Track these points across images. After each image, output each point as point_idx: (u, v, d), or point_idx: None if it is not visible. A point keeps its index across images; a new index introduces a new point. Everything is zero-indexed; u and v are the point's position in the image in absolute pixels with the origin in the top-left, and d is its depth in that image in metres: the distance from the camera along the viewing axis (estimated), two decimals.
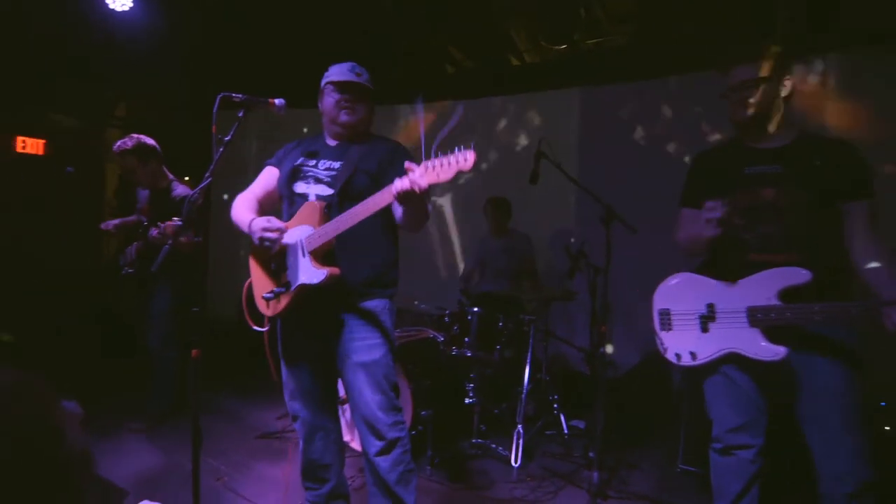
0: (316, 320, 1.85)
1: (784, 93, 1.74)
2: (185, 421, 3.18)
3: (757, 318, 1.67)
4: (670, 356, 1.88)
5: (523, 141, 4.75)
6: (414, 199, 1.50)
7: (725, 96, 1.79)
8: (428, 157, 1.44)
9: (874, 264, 1.61)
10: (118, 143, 3.12)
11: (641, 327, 4.09)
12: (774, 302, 1.64)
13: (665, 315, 1.93)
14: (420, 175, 1.44)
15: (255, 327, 1.90)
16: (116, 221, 3.35)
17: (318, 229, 1.72)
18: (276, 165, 2.00)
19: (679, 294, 1.89)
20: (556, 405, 3.28)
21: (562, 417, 3.22)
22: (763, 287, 1.67)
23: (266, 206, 2.00)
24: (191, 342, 1.75)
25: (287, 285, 1.77)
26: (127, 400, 3.36)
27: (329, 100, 1.90)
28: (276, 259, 1.84)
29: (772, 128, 1.75)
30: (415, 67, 5.31)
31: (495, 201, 3.92)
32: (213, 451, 2.83)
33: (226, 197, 5.18)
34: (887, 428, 2.63)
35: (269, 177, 2.00)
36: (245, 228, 1.87)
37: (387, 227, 1.90)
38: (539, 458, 2.97)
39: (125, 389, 3.55)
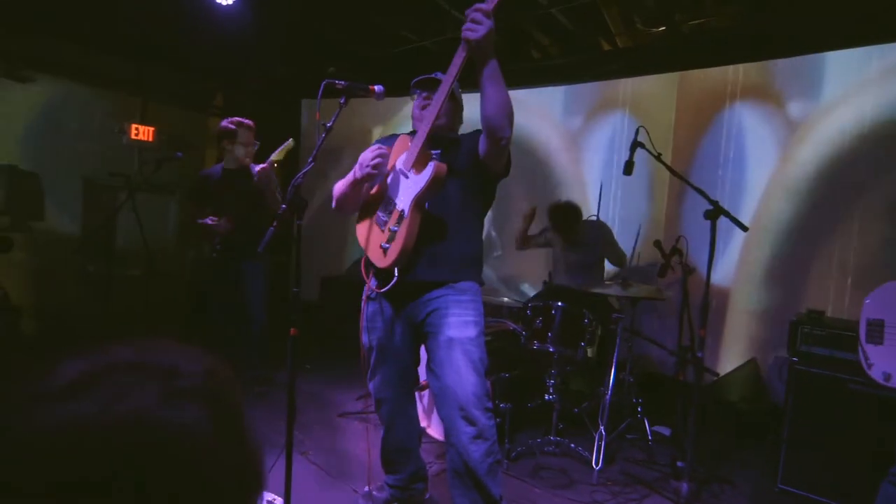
0: (410, 298, 1.89)
1: None
2: (274, 392, 3.37)
3: None
4: (875, 374, 1.72)
5: (613, 128, 4.52)
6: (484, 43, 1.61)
7: None
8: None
9: None
10: (225, 122, 3.30)
11: (739, 335, 3.83)
12: None
13: (877, 326, 1.76)
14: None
15: (379, 291, 1.91)
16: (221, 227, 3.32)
17: (410, 149, 1.82)
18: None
19: None
20: (639, 409, 3.12)
21: (645, 422, 3.07)
22: None
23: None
24: (290, 321, 1.82)
25: (400, 216, 1.81)
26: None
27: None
28: (384, 207, 1.90)
29: None
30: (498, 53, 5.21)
31: (564, 210, 3.61)
32: (297, 425, 2.95)
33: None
34: None
35: None
36: (349, 180, 1.92)
37: (476, 216, 1.96)
38: (620, 462, 2.85)
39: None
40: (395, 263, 1.81)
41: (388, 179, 1.91)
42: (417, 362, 2.06)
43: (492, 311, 3.58)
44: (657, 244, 3.25)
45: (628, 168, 2.82)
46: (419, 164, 1.80)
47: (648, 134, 2.73)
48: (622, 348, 3.20)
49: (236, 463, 0.45)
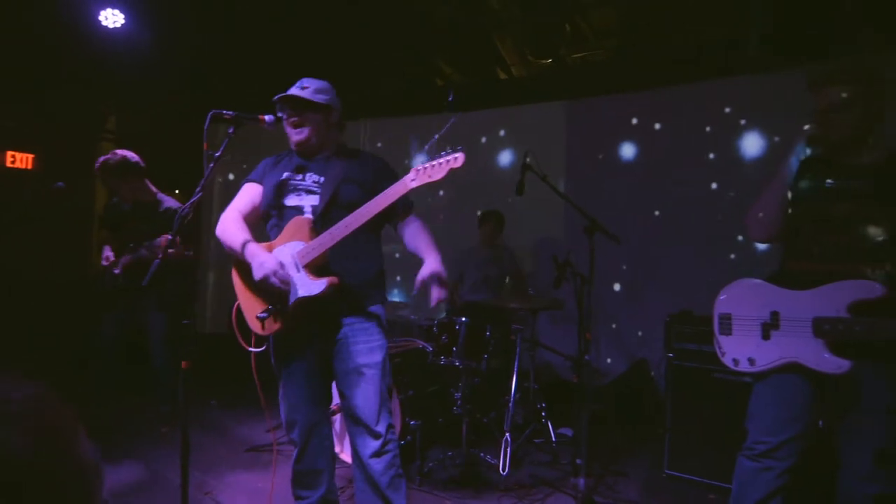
0: (314, 330, 1.90)
1: (874, 110, 1.70)
2: (174, 433, 3.19)
3: (823, 329, 1.65)
4: (727, 361, 1.90)
5: (510, 153, 4.82)
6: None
7: (816, 119, 1.72)
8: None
9: None
10: (100, 159, 3.16)
11: (628, 338, 4.19)
12: (843, 314, 1.63)
13: (726, 319, 1.93)
14: (412, 178, 1.53)
15: (251, 349, 1.90)
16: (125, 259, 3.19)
17: (310, 243, 1.77)
18: (259, 181, 2.03)
19: (743, 299, 1.88)
20: (543, 413, 3.31)
21: (549, 425, 3.26)
22: (832, 298, 1.65)
23: (250, 222, 2.02)
24: (182, 354, 1.78)
25: (283, 302, 1.80)
26: (110, 410, 3.35)
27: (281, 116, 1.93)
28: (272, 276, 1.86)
29: (862, 148, 1.72)
30: (405, 81, 5.41)
31: (496, 215, 4.04)
32: (201, 464, 2.83)
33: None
34: None
35: (252, 193, 2.03)
36: (237, 248, 1.87)
37: (374, 238, 1.99)
38: (527, 466, 3.00)
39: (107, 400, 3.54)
40: (272, 334, 1.86)
41: (276, 254, 1.81)
42: (329, 383, 2.06)
43: (403, 330, 3.66)
44: (554, 259, 3.50)
45: (520, 188, 3.05)
46: (314, 270, 1.77)
47: (535, 157, 2.98)
48: (526, 358, 3.40)
49: (64, 487, 0.49)
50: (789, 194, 1.80)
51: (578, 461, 2.71)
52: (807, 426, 1.77)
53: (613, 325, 4.27)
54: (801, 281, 1.74)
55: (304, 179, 1.93)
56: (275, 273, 1.76)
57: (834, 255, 1.70)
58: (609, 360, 4.24)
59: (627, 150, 4.35)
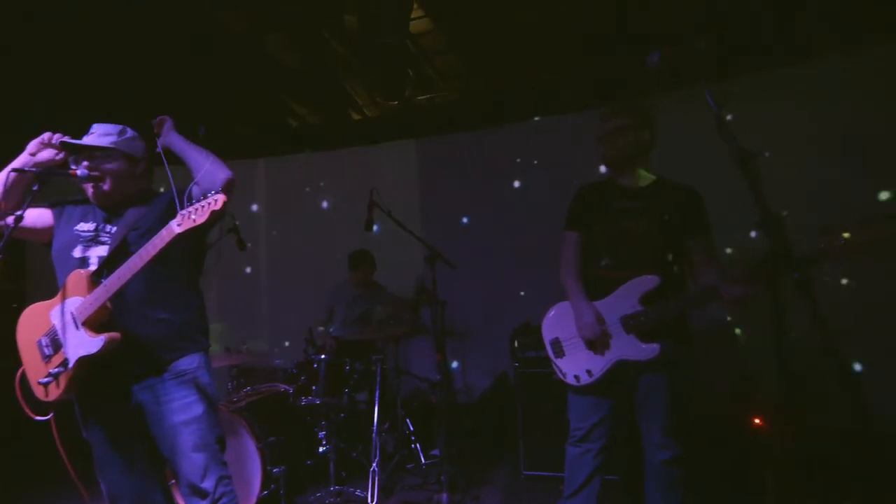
0: (120, 390, 1.79)
1: (646, 143, 2.08)
2: None
3: (630, 324, 1.97)
4: (570, 380, 2.11)
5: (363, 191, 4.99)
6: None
7: (601, 140, 2.12)
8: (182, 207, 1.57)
9: (713, 276, 1.93)
10: None
11: (490, 354, 4.50)
12: (638, 308, 1.95)
13: (556, 344, 2.16)
14: (178, 223, 1.56)
15: (38, 418, 1.75)
16: None
17: (87, 297, 1.68)
18: (55, 213, 1.89)
19: (562, 322, 2.13)
20: (413, 438, 3.43)
21: (418, 449, 3.38)
22: (627, 297, 1.98)
23: (35, 231, 1.88)
24: None
25: (65, 363, 1.69)
26: None
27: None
28: (48, 338, 1.75)
29: (636, 170, 2.10)
30: (257, 122, 5.37)
31: (368, 258, 4.06)
32: None
33: None
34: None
35: (42, 213, 1.89)
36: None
37: (183, 283, 1.88)
38: (398, 492, 3.07)
39: None
40: (59, 401, 1.74)
41: (56, 319, 1.72)
42: (155, 446, 1.96)
43: (266, 376, 3.56)
44: (421, 289, 3.70)
45: (368, 225, 3.21)
46: (94, 326, 1.67)
47: (379, 194, 3.17)
48: (393, 386, 3.51)
49: None
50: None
51: (443, 478, 2.86)
52: (611, 409, 2.09)
53: (478, 344, 4.56)
54: (602, 289, 2.06)
55: (96, 230, 1.84)
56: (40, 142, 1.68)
57: (623, 263, 2.05)
58: (477, 379, 4.50)
59: (476, 183, 4.76)
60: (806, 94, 3.52)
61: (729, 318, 3.64)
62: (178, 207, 1.60)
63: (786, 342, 0.99)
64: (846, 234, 1.46)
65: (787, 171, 3.13)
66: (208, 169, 1.82)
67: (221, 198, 1.54)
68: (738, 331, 3.64)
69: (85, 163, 1.81)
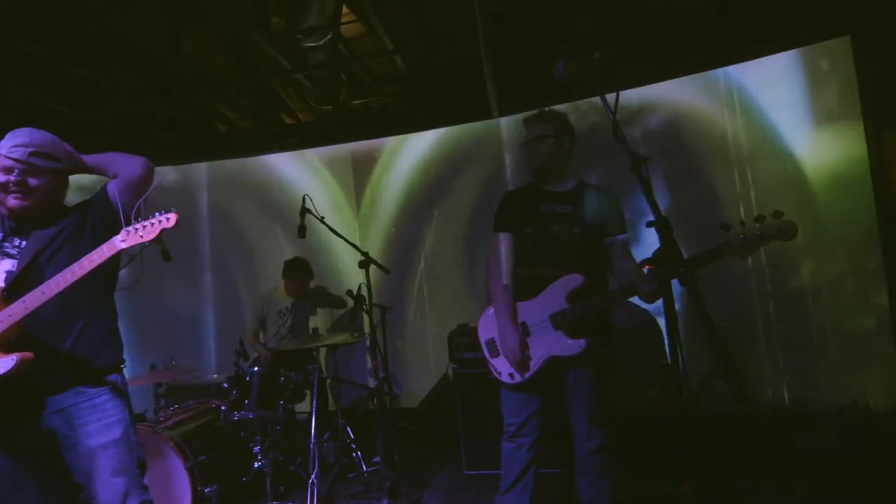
0: (29, 414, 1.67)
1: (565, 149, 2.16)
2: None
3: (558, 321, 2.04)
4: (505, 378, 2.16)
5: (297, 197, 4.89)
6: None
7: (524, 146, 2.19)
8: (128, 223, 1.52)
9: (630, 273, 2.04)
10: None
11: (429, 359, 4.52)
12: (565, 305, 2.03)
13: (491, 344, 2.21)
14: (122, 239, 1.50)
15: None
16: None
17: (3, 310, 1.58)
18: None
19: (496, 322, 2.17)
20: (353, 446, 3.38)
21: (360, 457, 3.34)
22: (555, 295, 2.06)
23: None
24: None
25: None
26: None
27: None
28: None
29: (557, 175, 2.18)
30: (185, 128, 5.14)
31: (305, 267, 3.93)
32: None
33: None
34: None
35: None
36: None
37: (99, 299, 1.79)
38: (340, 501, 3.03)
39: None
40: None
41: None
42: (67, 473, 1.82)
43: (196, 392, 3.41)
44: (349, 293, 3.65)
45: (301, 231, 3.15)
46: (4, 345, 1.57)
47: (312, 201, 3.12)
48: (333, 394, 3.45)
49: None
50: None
51: (385, 484, 2.84)
52: (541, 403, 2.16)
53: (418, 348, 4.57)
54: (532, 289, 2.13)
55: (4, 240, 1.72)
56: None
57: (549, 263, 2.12)
58: (418, 384, 4.51)
59: (410, 187, 4.77)
60: None
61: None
62: (122, 223, 1.54)
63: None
64: (743, 230, 1.58)
65: None
66: (121, 162, 1.78)
67: (174, 216, 1.49)
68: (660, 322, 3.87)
69: (14, 173, 1.66)
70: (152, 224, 1.48)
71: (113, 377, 1.80)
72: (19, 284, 1.64)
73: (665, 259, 1.03)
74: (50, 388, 1.69)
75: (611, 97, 1.25)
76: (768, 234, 1.56)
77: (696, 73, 3.86)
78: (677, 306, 1.21)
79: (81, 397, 1.71)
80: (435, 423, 3.97)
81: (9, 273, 1.67)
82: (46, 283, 1.57)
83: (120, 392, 1.80)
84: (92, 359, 1.75)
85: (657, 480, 2.60)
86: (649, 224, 1.07)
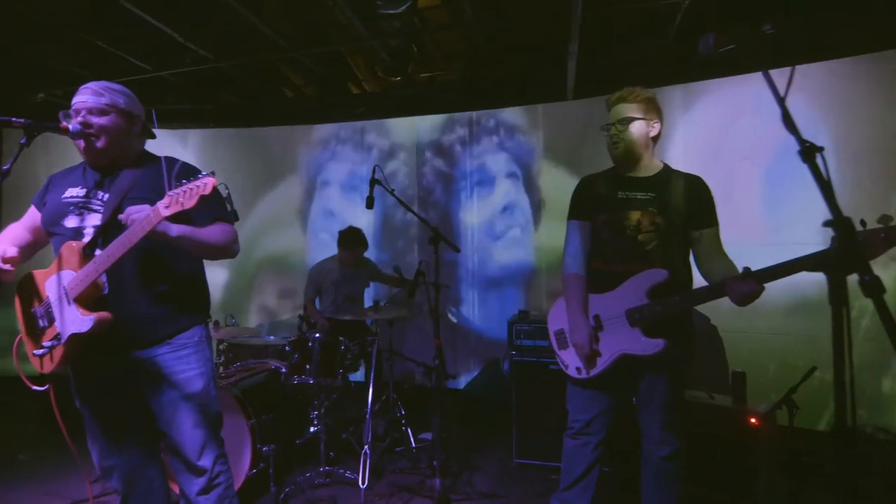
0: (118, 363, 1.71)
1: (653, 133, 2.00)
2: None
3: (635, 317, 1.92)
4: (572, 372, 2.07)
5: (364, 167, 4.87)
6: (160, 235, 1.54)
7: (605, 129, 2.03)
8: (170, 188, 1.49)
9: (719, 272, 1.87)
10: None
11: (480, 341, 4.47)
12: (645, 301, 1.90)
13: (560, 335, 2.12)
14: (166, 205, 1.48)
15: (35, 387, 1.70)
16: None
17: (78, 273, 1.60)
18: (38, 204, 1.81)
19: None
20: (403, 421, 3.38)
21: (409, 432, 3.34)
22: (635, 290, 1.93)
23: (40, 242, 1.84)
24: None
25: (58, 337, 1.62)
26: None
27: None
28: (43, 309, 1.69)
29: (642, 161, 2.01)
30: (253, 92, 5.18)
31: (360, 238, 3.87)
32: None
33: None
34: None
35: (32, 217, 1.83)
36: None
37: (179, 251, 1.73)
38: (388, 475, 3.03)
39: None
40: (55, 373, 1.69)
41: (50, 290, 1.67)
42: (152, 416, 1.87)
43: (256, 352, 3.47)
44: (397, 269, 3.61)
45: (369, 202, 3.10)
46: (86, 303, 1.61)
47: (383, 171, 3.06)
48: (384, 368, 3.45)
49: None
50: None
51: (435, 463, 2.82)
52: (611, 402, 2.06)
53: (470, 330, 4.53)
54: (608, 282, 2.01)
55: (88, 196, 1.72)
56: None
57: (628, 255, 1.99)
58: (468, 365, 4.48)
59: (474, 166, 4.67)
60: None
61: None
62: (166, 187, 1.51)
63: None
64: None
65: None
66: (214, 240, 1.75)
67: (211, 181, 1.46)
68: None
69: (78, 118, 1.69)
70: (191, 190, 1.45)
71: (199, 330, 1.82)
72: (104, 239, 1.64)
73: (842, 264, 0.91)
74: (139, 341, 1.71)
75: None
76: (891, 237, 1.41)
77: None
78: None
79: (168, 349, 1.74)
80: (482, 406, 3.94)
81: (95, 228, 1.69)
82: (110, 245, 1.56)
83: (204, 346, 1.82)
84: (179, 312, 1.77)
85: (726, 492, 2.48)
86: (825, 223, 0.94)
